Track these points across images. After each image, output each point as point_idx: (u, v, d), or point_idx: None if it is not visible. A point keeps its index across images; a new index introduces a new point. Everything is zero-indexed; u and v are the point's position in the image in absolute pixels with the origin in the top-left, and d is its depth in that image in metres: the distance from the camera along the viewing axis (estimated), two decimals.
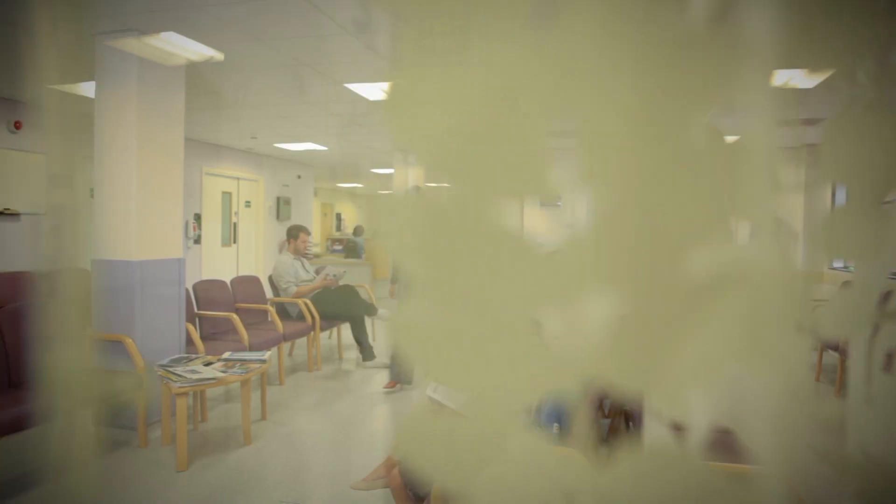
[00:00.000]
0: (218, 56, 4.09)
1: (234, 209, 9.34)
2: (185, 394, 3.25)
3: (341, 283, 5.89)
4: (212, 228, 8.79)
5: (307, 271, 5.82)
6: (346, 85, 4.94)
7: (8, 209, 5.54)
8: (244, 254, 9.57)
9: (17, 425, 2.78)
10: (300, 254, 5.80)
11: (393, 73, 0.35)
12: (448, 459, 0.37)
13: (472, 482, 0.37)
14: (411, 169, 8.98)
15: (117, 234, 3.72)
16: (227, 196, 9.19)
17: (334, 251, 12.37)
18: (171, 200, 3.98)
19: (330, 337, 6.65)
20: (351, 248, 11.51)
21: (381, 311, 5.84)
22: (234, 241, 9.39)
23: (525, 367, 0.36)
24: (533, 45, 0.35)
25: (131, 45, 3.65)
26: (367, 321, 5.73)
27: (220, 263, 8.85)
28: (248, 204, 9.61)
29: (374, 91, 5.15)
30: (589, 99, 0.35)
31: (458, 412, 1.45)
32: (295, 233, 5.72)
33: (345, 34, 3.67)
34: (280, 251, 10.23)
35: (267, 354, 3.90)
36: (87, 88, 5.19)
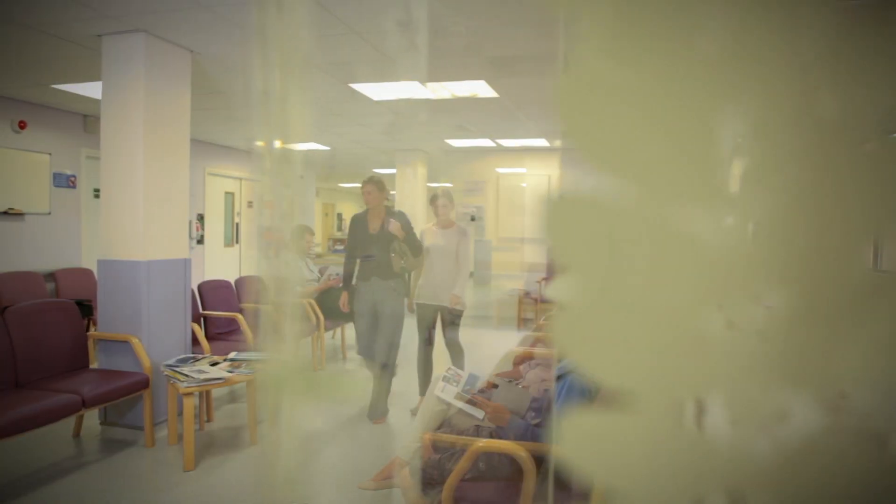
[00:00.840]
0: (224, 55, 4.10)
1: (237, 209, 9.35)
2: (192, 394, 3.25)
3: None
4: (214, 229, 8.79)
5: (311, 271, 5.82)
6: (351, 85, 4.94)
7: (12, 209, 5.54)
8: (247, 254, 9.57)
9: (21, 426, 2.77)
10: (304, 254, 5.80)
11: (567, 72, 0.35)
12: (608, 456, 0.38)
13: (633, 478, 0.37)
14: (418, 168, 8.98)
15: (124, 234, 3.72)
16: (229, 196, 9.19)
17: (336, 251, 12.35)
18: (178, 200, 3.98)
19: (333, 337, 6.65)
20: None
21: None
22: (237, 242, 9.39)
23: (690, 365, 0.36)
24: (706, 45, 0.35)
25: (137, 45, 3.65)
26: None
27: (222, 264, 8.85)
28: (250, 204, 9.61)
29: (379, 91, 5.15)
30: (758, 99, 0.35)
31: (464, 410, 1.46)
32: (299, 233, 5.71)
33: (350, 34, 3.67)
34: None
35: None
36: (93, 89, 5.20)
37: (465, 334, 4.43)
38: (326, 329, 5.59)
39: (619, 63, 0.35)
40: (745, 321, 0.36)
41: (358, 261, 4.12)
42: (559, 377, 2.11)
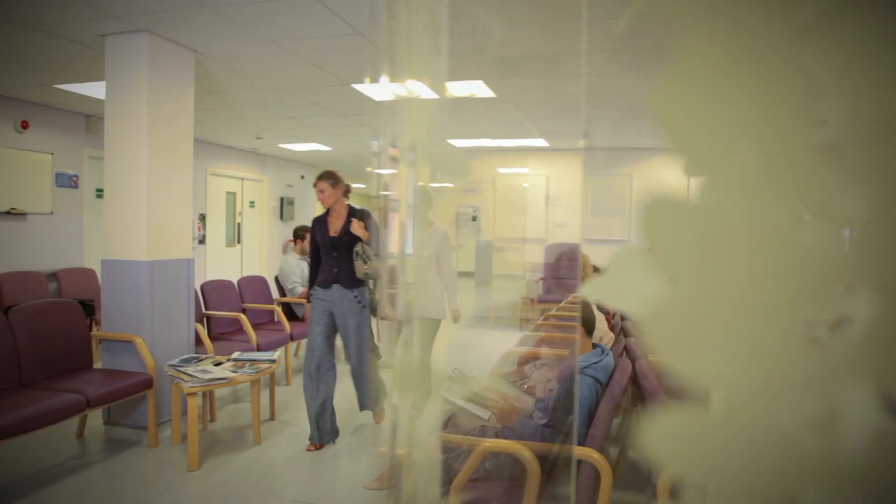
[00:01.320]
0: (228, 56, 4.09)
1: (239, 209, 9.35)
2: (196, 393, 3.25)
3: None
4: (216, 229, 8.79)
5: None
6: (354, 85, 4.94)
7: (14, 209, 5.54)
8: (248, 254, 9.57)
9: (26, 426, 2.76)
10: (306, 254, 5.80)
11: (667, 75, 0.35)
12: (700, 456, 0.38)
13: (723, 478, 0.37)
14: (417, 168, 8.97)
15: (127, 234, 3.72)
16: (231, 196, 9.19)
17: None
18: (181, 200, 3.98)
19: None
20: None
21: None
22: (238, 242, 9.39)
23: (784, 366, 0.36)
24: (808, 43, 0.35)
25: (141, 45, 3.65)
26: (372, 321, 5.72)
27: (223, 264, 8.85)
28: (251, 204, 9.61)
29: (381, 92, 5.15)
30: (861, 97, 0.35)
31: (470, 411, 1.46)
32: (302, 233, 5.71)
33: (355, 34, 3.67)
34: (284, 251, 10.24)
35: (276, 354, 3.90)
36: (95, 89, 5.19)
37: (468, 335, 4.41)
38: None
39: (717, 64, 0.35)
40: (840, 324, 0.36)
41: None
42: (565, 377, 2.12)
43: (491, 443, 2.02)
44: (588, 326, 2.20)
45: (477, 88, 5.06)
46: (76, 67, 4.45)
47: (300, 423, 4.02)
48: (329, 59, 4.21)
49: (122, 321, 3.73)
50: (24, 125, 5.61)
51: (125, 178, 3.72)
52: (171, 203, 3.88)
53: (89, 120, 6.33)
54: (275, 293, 5.76)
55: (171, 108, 3.86)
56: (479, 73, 4.60)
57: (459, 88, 5.12)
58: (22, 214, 5.63)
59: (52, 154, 5.95)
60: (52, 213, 5.95)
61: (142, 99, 3.66)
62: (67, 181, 6.13)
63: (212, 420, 3.97)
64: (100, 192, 6.64)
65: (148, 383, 3.51)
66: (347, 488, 3.02)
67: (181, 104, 3.95)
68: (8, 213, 5.49)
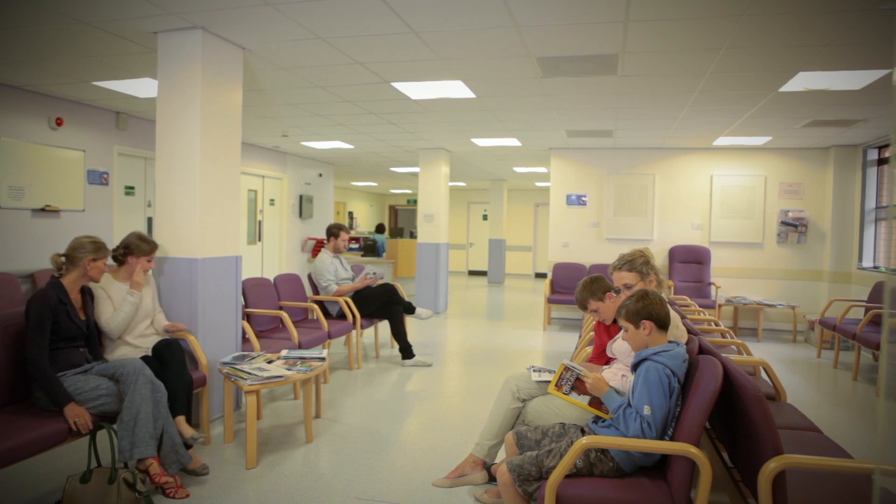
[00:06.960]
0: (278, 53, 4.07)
1: (259, 207, 9.34)
2: (255, 392, 3.25)
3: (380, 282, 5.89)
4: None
5: (346, 269, 5.83)
6: (393, 84, 4.94)
7: (49, 206, 5.54)
8: (268, 252, 9.57)
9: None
10: (339, 252, 5.80)
11: None
12: None
13: None
14: (441, 167, 8.96)
15: (181, 232, 3.71)
16: (252, 194, 9.18)
17: (350, 249, 12.37)
18: (230, 197, 3.97)
19: (362, 335, 6.66)
20: (370, 247, 11.50)
21: (419, 311, 5.84)
22: (259, 240, 9.38)
23: None
24: None
25: (194, 42, 3.64)
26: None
27: (246, 261, 8.84)
28: (272, 202, 9.61)
29: (418, 90, 5.15)
30: None
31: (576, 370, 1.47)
32: (336, 231, 5.71)
33: (409, 33, 3.66)
34: (302, 249, 10.22)
35: (325, 352, 3.90)
36: (130, 85, 5.18)
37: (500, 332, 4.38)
38: (363, 327, 5.60)
39: None
40: None
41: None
42: (635, 365, 2.15)
43: (589, 440, 2.03)
44: (659, 322, 2.18)
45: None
46: (120, 64, 4.45)
47: (346, 421, 4.03)
48: (375, 56, 4.20)
49: (173, 319, 3.72)
50: (59, 122, 5.60)
51: (178, 175, 3.71)
52: (222, 200, 3.87)
53: (119, 117, 6.32)
54: (308, 291, 5.77)
55: (221, 107, 3.84)
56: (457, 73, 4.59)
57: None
58: (55, 211, 5.62)
59: (84, 151, 5.95)
60: (83, 211, 5.95)
61: (195, 97, 3.65)
62: (98, 178, 6.12)
63: (259, 418, 3.98)
64: (129, 189, 6.64)
65: (201, 381, 3.51)
66: (411, 485, 3.01)
67: (231, 102, 3.94)
68: (42, 210, 5.49)
